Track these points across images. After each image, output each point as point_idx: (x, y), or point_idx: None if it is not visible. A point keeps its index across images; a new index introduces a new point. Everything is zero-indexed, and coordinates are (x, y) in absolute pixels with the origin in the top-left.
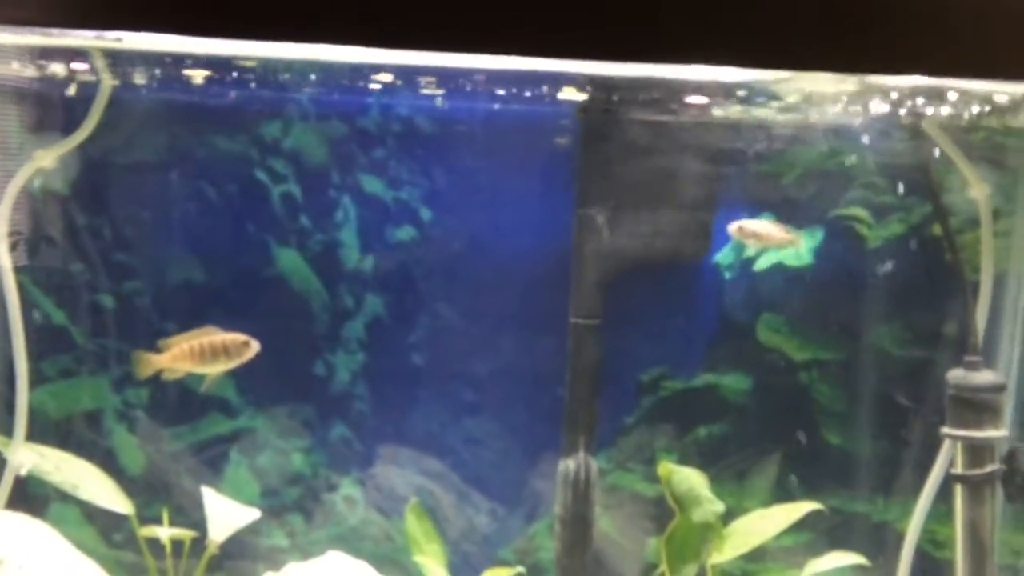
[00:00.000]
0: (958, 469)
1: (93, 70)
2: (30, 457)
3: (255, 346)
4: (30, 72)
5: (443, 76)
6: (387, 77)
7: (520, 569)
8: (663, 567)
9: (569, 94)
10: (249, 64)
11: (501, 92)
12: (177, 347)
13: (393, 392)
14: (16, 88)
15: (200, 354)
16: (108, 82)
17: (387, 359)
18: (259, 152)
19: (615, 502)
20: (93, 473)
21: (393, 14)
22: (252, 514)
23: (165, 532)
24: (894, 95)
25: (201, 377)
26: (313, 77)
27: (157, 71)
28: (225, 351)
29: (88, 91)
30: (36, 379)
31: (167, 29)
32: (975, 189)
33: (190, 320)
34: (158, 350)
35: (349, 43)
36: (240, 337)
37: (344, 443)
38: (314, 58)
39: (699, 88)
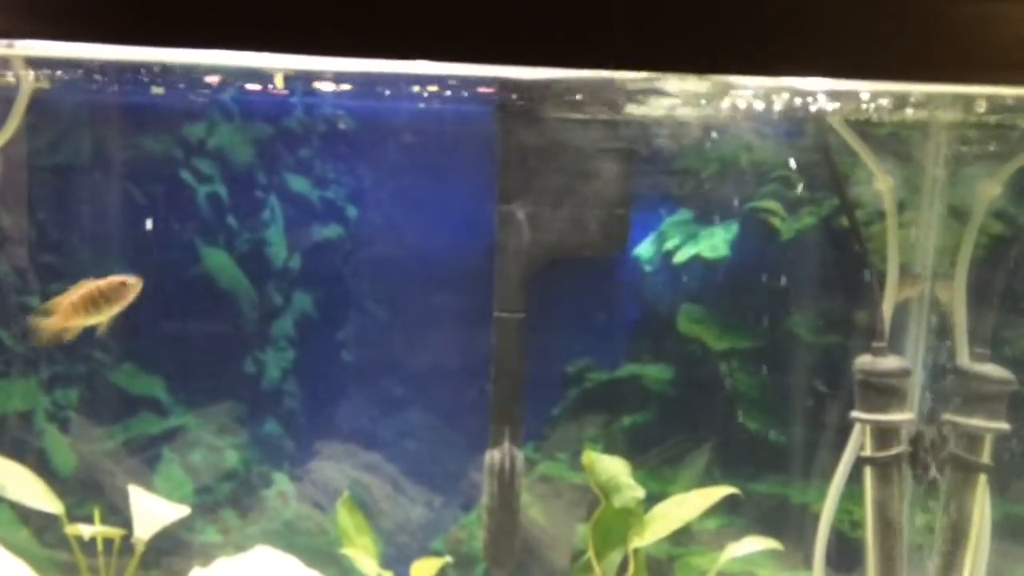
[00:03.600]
0: (867, 451)
1: (13, 73)
2: None
3: (134, 283)
4: None
5: (366, 79)
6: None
7: (448, 559)
8: (590, 552)
9: (487, 94)
10: (173, 67)
11: (422, 93)
12: (61, 307)
13: (323, 388)
14: None
15: (84, 306)
16: (29, 84)
17: (316, 355)
18: (184, 152)
19: (544, 491)
20: (21, 473)
21: (314, 21)
22: (181, 511)
23: (89, 530)
24: (802, 94)
25: (143, 384)
26: (236, 81)
27: (79, 73)
28: (105, 297)
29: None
30: None
31: (90, 38)
32: (880, 182)
33: (118, 319)
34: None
35: (272, 50)
36: (116, 279)
37: (276, 439)
38: (236, 64)
39: (613, 86)
